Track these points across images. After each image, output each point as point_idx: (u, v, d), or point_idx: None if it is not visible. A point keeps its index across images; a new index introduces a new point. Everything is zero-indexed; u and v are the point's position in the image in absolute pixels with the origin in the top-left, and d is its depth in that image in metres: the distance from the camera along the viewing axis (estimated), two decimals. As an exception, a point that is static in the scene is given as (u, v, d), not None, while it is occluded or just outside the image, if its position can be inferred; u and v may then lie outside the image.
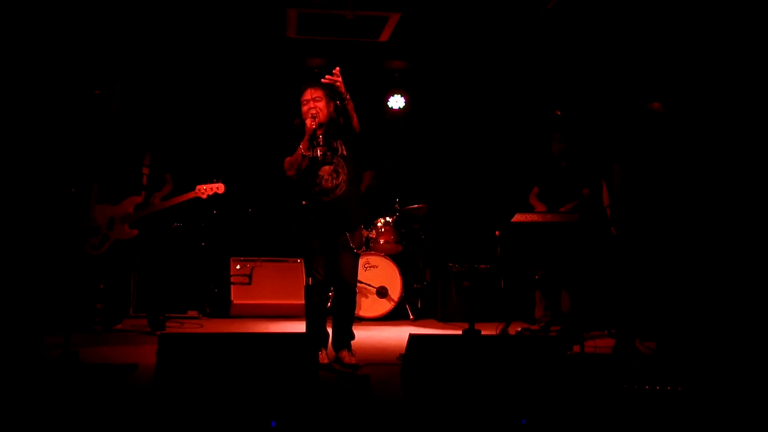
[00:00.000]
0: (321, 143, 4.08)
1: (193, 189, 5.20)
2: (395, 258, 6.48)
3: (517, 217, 5.12)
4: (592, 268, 4.63)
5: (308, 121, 4.04)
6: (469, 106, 8.15)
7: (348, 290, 4.27)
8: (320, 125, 4.12)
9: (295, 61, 7.61)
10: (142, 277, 5.84)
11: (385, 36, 6.23)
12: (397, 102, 7.82)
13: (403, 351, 3.05)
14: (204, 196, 5.21)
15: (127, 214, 5.12)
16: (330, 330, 4.33)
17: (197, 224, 6.28)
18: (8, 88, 5.81)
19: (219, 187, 5.22)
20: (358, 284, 6.18)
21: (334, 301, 4.41)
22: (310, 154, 4.07)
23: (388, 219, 6.60)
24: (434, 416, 2.85)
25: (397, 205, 6.71)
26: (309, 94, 4.15)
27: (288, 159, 4.15)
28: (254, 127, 7.89)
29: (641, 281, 4.46)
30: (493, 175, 7.88)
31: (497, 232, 5.59)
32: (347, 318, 4.32)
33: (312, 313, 4.20)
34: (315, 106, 4.11)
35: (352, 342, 4.33)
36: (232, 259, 6.42)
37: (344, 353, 4.22)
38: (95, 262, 5.20)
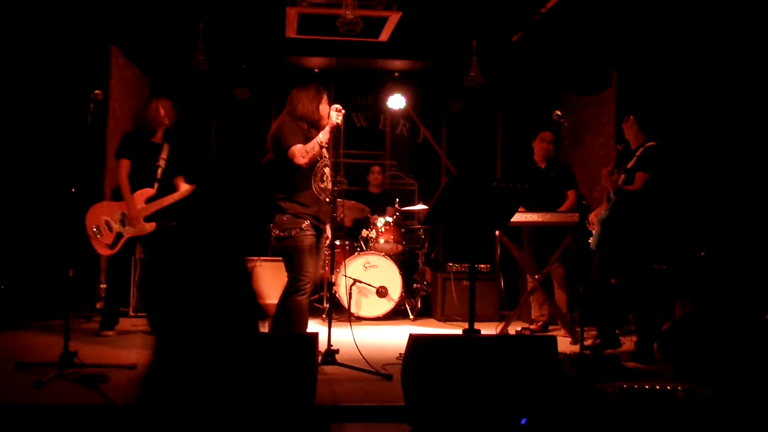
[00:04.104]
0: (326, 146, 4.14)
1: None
2: (395, 258, 6.48)
3: (517, 218, 5.12)
4: (592, 268, 4.63)
5: (336, 115, 3.99)
6: (469, 106, 8.16)
7: (315, 286, 4.28)
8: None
9: (293, 62, 7.62)
10: (142, 277, 5.83)
11: (385, 36, 6.22)
12: (397, 102, 7.79)
13: (403, 351, 3.06)
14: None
15: (141, 208, 4.96)
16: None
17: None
18: (22, 89, 5.81)
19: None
20: (358, 284, 6.20)
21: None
22: (325, 148, 4.12)
23: (388, 219, 6.59)
24: (435, 415, 2.85)
25: (397, 205, 6.70)
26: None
27: (302, 146, 4.00)
28: (250, 126, 7.90)
29: (630, 283, 4.48)
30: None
31: (497, 232, 5.59)
32: None
33: (306, 316, 4.15)
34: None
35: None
36: (232, 258, 6.40)
37: None
38: (96, 261, 5.16)
